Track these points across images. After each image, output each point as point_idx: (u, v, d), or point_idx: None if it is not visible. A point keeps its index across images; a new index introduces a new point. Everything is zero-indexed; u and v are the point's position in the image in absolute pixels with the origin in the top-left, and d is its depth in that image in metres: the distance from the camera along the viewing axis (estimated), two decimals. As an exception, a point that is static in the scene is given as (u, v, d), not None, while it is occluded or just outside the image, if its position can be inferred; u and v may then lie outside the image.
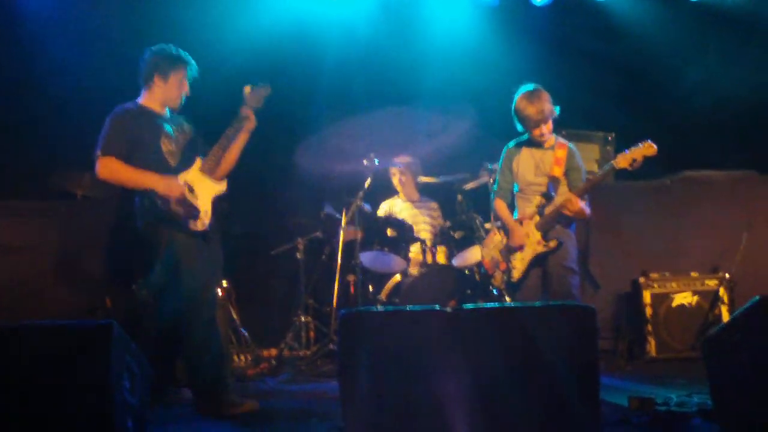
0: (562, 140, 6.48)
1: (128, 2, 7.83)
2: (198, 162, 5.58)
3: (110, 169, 5.39)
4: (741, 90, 8.61)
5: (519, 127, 6.39)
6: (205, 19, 8.00)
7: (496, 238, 6.61)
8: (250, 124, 5.74)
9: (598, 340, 4.22)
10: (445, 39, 8.74)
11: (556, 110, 6.29)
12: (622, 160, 5.94)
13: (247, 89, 5.72)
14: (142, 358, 4.40)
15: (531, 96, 6.23)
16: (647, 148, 5.88)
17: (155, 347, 5.47)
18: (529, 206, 6.39)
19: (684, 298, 7.55)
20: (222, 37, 7.91)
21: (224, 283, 7.54)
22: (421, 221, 8.22)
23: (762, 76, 8.48)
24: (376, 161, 7.69)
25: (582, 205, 6.08)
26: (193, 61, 5.73)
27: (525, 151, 6.48)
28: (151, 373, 4.58)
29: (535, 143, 6.39)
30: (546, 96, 6.24)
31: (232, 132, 5.69)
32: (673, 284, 7.61)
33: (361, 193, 7.63)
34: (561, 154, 6.34)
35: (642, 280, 7.62)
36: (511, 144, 6.59)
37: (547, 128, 6.27)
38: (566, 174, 6.34)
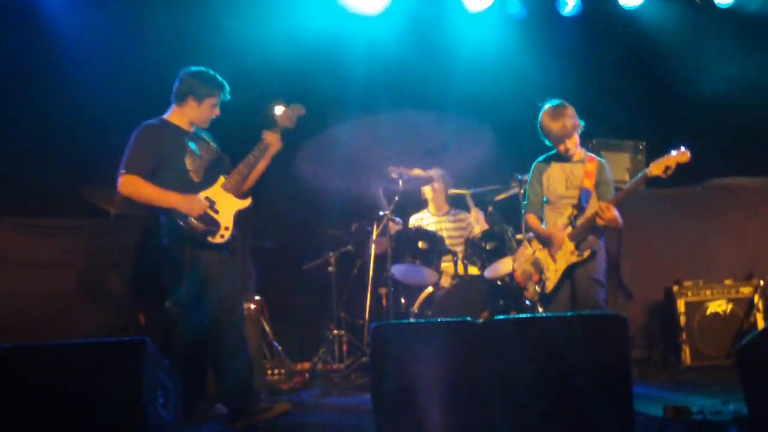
0: (591, 154, 6.49)
1: (163, 18, 7.87)
2: (221, 179, 5.66)
3: (132, 186, 5.46)
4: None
5: (546, 142, 6.40)
6: (231, 34, 8.04)
7: (527, 251, 6.59)
8: (274, 148, 5.82)
9: (630, 350, 4.20)
10: (473, 52, 8.73)
11: (582, 124, 6.29)
12: (655, 168, 5.92)
13: (280, 109, 5.79)
14: (175, 374, 4.43)
15: (554, 112, 6.25)
16: (681, 155, 5.86)
17: (187, 363, 5.53)
18: (560, 218, 6.37)
19: (718, 306, 7.50)
20: (249, 51, 7.95)
21: (256, 298, 7.57)
22: (451, 233, 8.21)
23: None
24: (408, 173, 7.65)
25: (615, 213, 6.06)
26: (227, 86, 5.82)
27: (555, 165, 6.48)
28: (184, 389, 4.62)
29: (564, 157, 6.39)
30: (570, 111, 6.25)
31: (258, 152, 5.76)
32: (707, 292, 7.56)
33: (391, 206, 7.63)
34: (591, 167, 6.33)
35: (675, 288, 7.58)
36: (541, 159, 6.59)
37: (572, 143, 6.27)
38: (596, 187, 6.33)
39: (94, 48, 7.80)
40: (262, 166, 5.87)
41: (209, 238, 5.50)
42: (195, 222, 5.44)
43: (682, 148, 5.87)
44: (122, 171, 5.47)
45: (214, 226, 5.51)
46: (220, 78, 5.79)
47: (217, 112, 5.83)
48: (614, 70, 8.98)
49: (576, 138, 6.30)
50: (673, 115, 8.94)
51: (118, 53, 7.87)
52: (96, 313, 7.38)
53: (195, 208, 5.46)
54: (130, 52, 7.89)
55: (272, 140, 5.80)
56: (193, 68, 5.77)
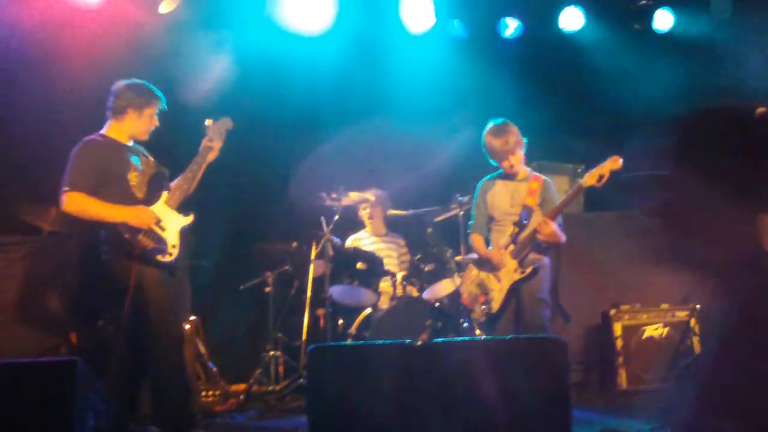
0: (536, 173, 6.54)
1: (93, 36, 7.73)
2: (164, 195, 5.58)
3: (77, 204, 5.34)
4: (709, 119, 8.67)
5: (490, 161, 6.42)
6: (174, 53, 7.95)
7: (473, 273, 6.60)
8: (212, 154, 5.77)
9: (569, 373, 4.20)
10: (415, 72, 8.73)
11: (525, 141, 6.35)
12: (590, 178, 6.06)
13: (209, 122, 5.78)
14: (107, 395, 4.35)
15: (497, 130, 6.34)
16: (613, 162, 6.01)
17: (121, 383, 5.43)
18: (502, 237, 6.40)
19: (655, 330, 7.54)
20: (191, 70, 7.86)
21: (192, 317, 7.45)
22: (388, 254, 8.18)
23: (728, 105, 8.53)
24: (345, 195, 7.60)
25: (555, 227, 6.11)
26: (163, 96, 5.77)
27: (499, 184, 6.53)
28: (117, 410, 4.52)
29: (509, 175, 6.43)
30: (513, 129, 6.33)
31: (196, 166, 5.70)
32: (644, 316, 7.61)
33: (330, 226, 7.57)
34: (535, 185, 6.40)
35: (612, 312, 7.61)
36: (486, 178, 6.65)
37: (516, 159, 6.34)
38: (540, 205, 6.39)
39: (27, 67, 7.63)
40: (201, 171, 5.80)
41: (158, 257, 5.41)
42: (145, 238, 5.36)
43: (615, 156, 5.98)
44: (65, 189, 5.35)
45: (162, 243, 5.43)
46: (155, 88, 5.75)
47: (156, 122, 5.78)
48: (554, 92, 9.04)
49: (520, 155, 6.37)
50: (612, 139, 8.98)
51: (51, 69, 7.70)
52: (28, 332, 7.19)
53: (145, 220, 5.38)
54: (63, 72, 7.72)
55: (212, 145, 5.74)
56: (126, 81, 5.71)
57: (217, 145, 5.82)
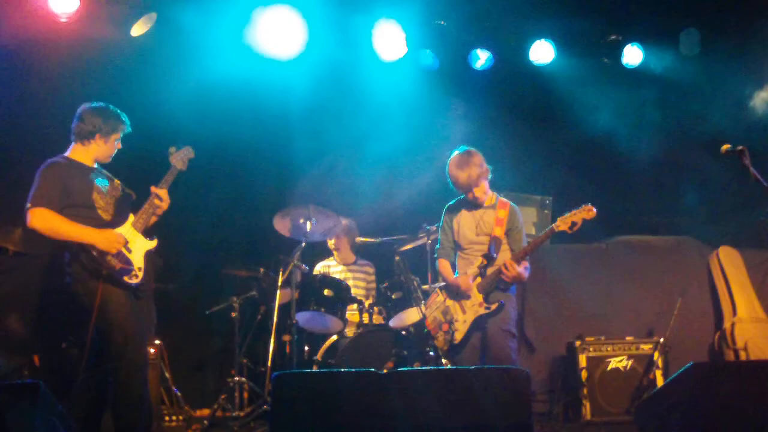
0: (504, 199, 6.53)
1: (71, 62, 7.70)
2: (131, 217, 5.55)
3: (44, 219, 5.29)
4: (678, 154, 8.79)
5: (454, 190, 6.43)
6: (145, 76, 7.94)
7: (438, 299, 6.59)
8: (160, 209, 5.72)
9: (531, 404, 4.22)
10: (386, 99, 8.76)
11: (490, 169, 6.35)
12: (562, 224, 6.03)
13: (172, 149, 5.77)
14: (68, 419, 4.30)
15: (460, 161, 6.30)
16: (587, 211, 5.97)
17: (83, 407, 5.38)
18: (470, 267, 6.39)
19: (619, 362, 7.58)
20: (163, 95, 7.85)
21: (157, 342, 7.40)
22: (355, 283, 8.18)
23: (695, 140, 8.67)
24: (313, 223, 7.55)
25: (520, 269, 6.13)
26: (128, 120, 5.77)
27: (465, 210, 6.53)
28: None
29: (474, 203, 6.42)
30: (477, 159, 6.30)
31: (149, 209, 5.67)
32: (609, 348, 7.65)
33: (297, 253, 7.56)
34: (502, 214, 6.39)
35: (578, 343, 7.65)
36: (452, 202, 6.63)
37: (480, 191, 6.33)
38: (507, 234, 6.39)
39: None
40: (152, 221, 5.78)
41: (125, 278, 5.38)
42: (113, 259, 5.32)
43: (589, 205, 5.98)
44: (29, 205, 5.30)
45: (129, 265, 5.41)
46: (120, 112, 5.73)
47: (119, 146, 5.76)
48: (524, 124, 9.11)
49: (484, 185, 6.35)
50: (580, 171, 9.10)
51: (15, 89, 7.65)
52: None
53: (113, 243, 5.35)
54: (27, 93, 7.68)
55: (162, 195, 5.70)
56: (93, 104, 5.68)
57: (176, 170, 5.78)
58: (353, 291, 7.94)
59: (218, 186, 8.50)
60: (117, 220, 5.53)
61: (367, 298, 8.01)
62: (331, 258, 8.47)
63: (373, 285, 8.32)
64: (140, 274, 5.49)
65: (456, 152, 6.39)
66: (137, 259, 5.50)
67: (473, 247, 6.44)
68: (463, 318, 6.32)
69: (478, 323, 6.26)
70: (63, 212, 5.35)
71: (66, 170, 5.51)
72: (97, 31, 7.65)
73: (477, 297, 6.27)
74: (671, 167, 9.01)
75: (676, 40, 8.92)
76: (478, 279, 6.30)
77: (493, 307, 6.19)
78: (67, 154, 5.63)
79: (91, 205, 5.49)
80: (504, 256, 6.30)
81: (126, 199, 5.76)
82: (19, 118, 7.59)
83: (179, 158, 5.81)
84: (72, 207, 5.40)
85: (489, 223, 6.40)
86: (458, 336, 6.32)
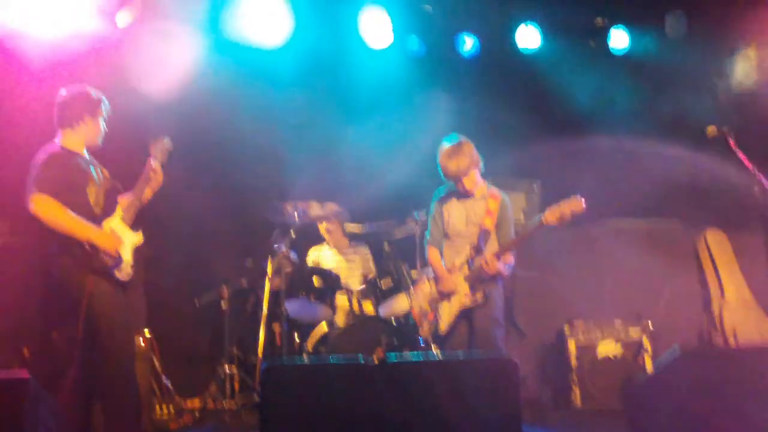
0: (495, 190, 6.48)
1: (48, 46, 7.65)
2: (119, 211, 5.53)
3: (47, 207, 5.25)
4: (664, 138, 8.79)
5: (444, 180, 6.40)
6: (129, 66, 7.89)
7: (425, 288, 6.57)
8: (155, 182, 5.71)
9: (519, 392, 4.23)
10: (373, 87, 8.74)
11: (481, 159, 6.31)
12: (550, 216, 5.94)
13: (153, 142, 5.75)
14: (58, 412, 4.30)
15: (451, 151, 6.24)
16: (575, 204, 5.89)
17: (73, 398, 5.39)
18: (457, 257, 6.38)
19: (608, 348, 7.59)
20: (145, 85, 7.80)
21: (147, 333, 7.39)
22: (351, 269, 8.18)
23: (682, 124, 8.66)
24: (300, 210, 7.57)
25: (499, 266, 6.10)
26: (107, 101, 5.75)
27: (455, 200, 6.49)
28: (69, 427, 4.48)
29: (465, 193, 6.39)
30: (467, 149, 6.25)
31: (143, 184, 5.64)
32: (598, 333, 7.67)
33: (286, 242, 7.55)
34: (493, 205, 6.34)
35: (567, 329, 7.66)
36: (442, 190, 6.59)
37: (469, 181, 6.29)
38: (497, 226, 6.35)
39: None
40: (148, 194, 5.75)
41: (116, 272, 5.38)
42: (104, 256, 5.31)
43: (577, 196, 5.91)
44: (35, 190, 5.26)
45: (119, 260, 5.41)
46: (95, 91, 5.71)
47: (105, 126, 5.75)
48: (511, 108, 9.08)
49: (474, 175, 6.30)
50: (567, 156, 9.08)
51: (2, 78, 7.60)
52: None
53: (114, 245, 5.35)
54: (17, 79, 7.63)
55: (157, 169, 5.70)
56: (72, 89, 5.66)
57: (158, 165, 5.76)
58: (349, 276, 7.95)
59: (205, 176, 8.45)
60: (107, 213, 5.53)
61: (366, 278, 7.95)
62: (324, 244, 8.46)
63: (370, 265, 8.28)
64: (129, 270, 5.49)
65: (446, 142, 6.34)
66: (127, 254, 5.49)
67: (461, 238, 6.41)
68: (449, 308, 6.31)
69: (464, 313, 6.26)
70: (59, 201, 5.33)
71: (64, 158, 5.49)
72: (82, 22, 7.60)
73: (463, 287, 6.25)
74: (658, 150, 9.00)
75: (663, 24, 8.91)
76: (465, 270, 6.29)
77: (479, 297, 6.18)
78: (58, 142, 5.60)
79: (85, 196, 5.48)
80: (492, 247, 6.27)
81: (114, 191, 5.74)
82: (1, 112, 7.53)
83: (158, 150, 5.78)
84: (68, 197, 5.36)
85: (479, 214, 6.36)
86: (443, 326, 6.31)
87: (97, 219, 5.44)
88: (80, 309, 5.31)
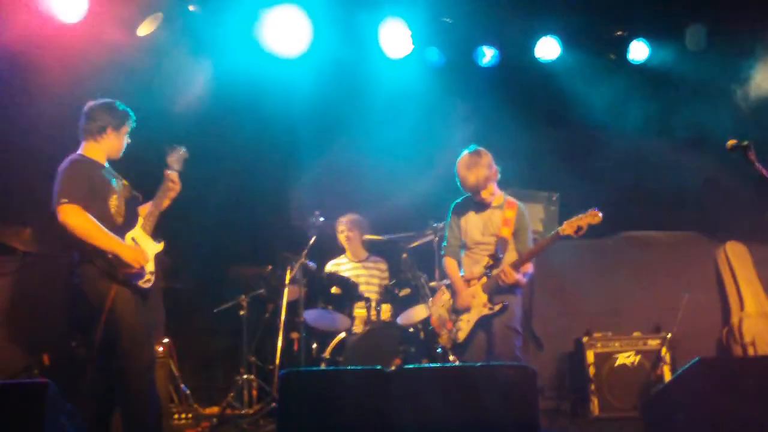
0: (511, 199, 6.48)
1: (70, 55, 7.70)
2: (140, 221, 5.57)
3: (77, 216, 5.26)
4: (682, 150, 8.77)
5: (462, 190, 6.40)
6: (152, 75, 7.94)
7: (444, 297, 6.58)
8: (173, 191, 5.74)
9: (537, 400, 4.24)
10: (392, 97, 8.75)
11: (499, 170, 6.31)
12: (568, 228, 5.97)
13: (169, 151, 5.78)
14: (77, 418, 4.32)
15: (470, 162, 6.23)
16: (593, 216, 5.91)
17: (92, 406, 5.40)
18: (476, 266, 6.37)
19: (627, 358, 7.59)
20: (168, 92, 7.86)
21: (165, 340, 7.43)
22: (368, 280, 8.19)
23: (701, 136, 8.63)
24: (321, 219, 7.64)
25: (518, 276, 6.10)
26: (134, 115, 5.80)
27: (472, 210, 6.48)
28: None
29: (482, 203, 6.40)
30: (485, 160, 6.24)
31: (162, 193, 5.68)
32: (616, 344, 7.66)
33: (305, 251, 7.59)
34: (510, 214, 6.34)
35: (585, 339, 7.66)
36: (459, 201, 6.58)
37: (487, 193, 6.28)
38: (514, 235, 6.34)
39: (2, 81, 7.57)
40: (166, 204, 5.78)
41: (139, 283, 5.42)
42: (128, 268, 5.34)
43: (595, 209, 5.93)
44: (63, 200, 5.26)
45: (142, 271, 5.44)
46: (125, 106, 5.75)
47: (128, 140, 5.78)
48: (530, 120, 9.08)
49: (492, 187, 6.31)
50: (586, 167, 9.08)
51: (26, 88, 7.64)
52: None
53: (139, 260, 5.38)
54: (39, 89, 7.67)
55: (175, 178, 5.73)
56: (99, 101, 5.69)
57: (176, 175, 5.78)
58: (367, 288, 7.99)
59: (224, 184, 8.49)
60: (129, 223, 5.55)
61: (380, 294, 7.97)
62: (342, 256, 8.47)
63: (387, 281, 8.31)
64: (152, 278, 5.53)
65: (465, 152, 6.32)
66: (149, 264, 5.53)
67: (479, 247, 6.41)
68: (467, 317, 6.31)
69: (483, 322, 6.25)
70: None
71: (87, 168, 5.51)
72: (104, 31, 7.64)
73: (482, 297, 6.25)
74: (677, 162, 8.98)
75: (682, 36, 8.89)
76: (484, 279, 6.28)
77: (497, 308, 6.17)
78: (81, 152, 5.63)
79: (107, 206, 5.49)
80: (510, 256, 6.28)
81: (135, 202, 5.76)
82: (26, 120, 7.58)
83: (174, 159, 5.81)
84: (91, 207, 5.37)
85: (496, 223, 6.36)
86: (461, 335, 6.30)
87: (118, 229, 5.46)
88: (99, 317, 5.33)
